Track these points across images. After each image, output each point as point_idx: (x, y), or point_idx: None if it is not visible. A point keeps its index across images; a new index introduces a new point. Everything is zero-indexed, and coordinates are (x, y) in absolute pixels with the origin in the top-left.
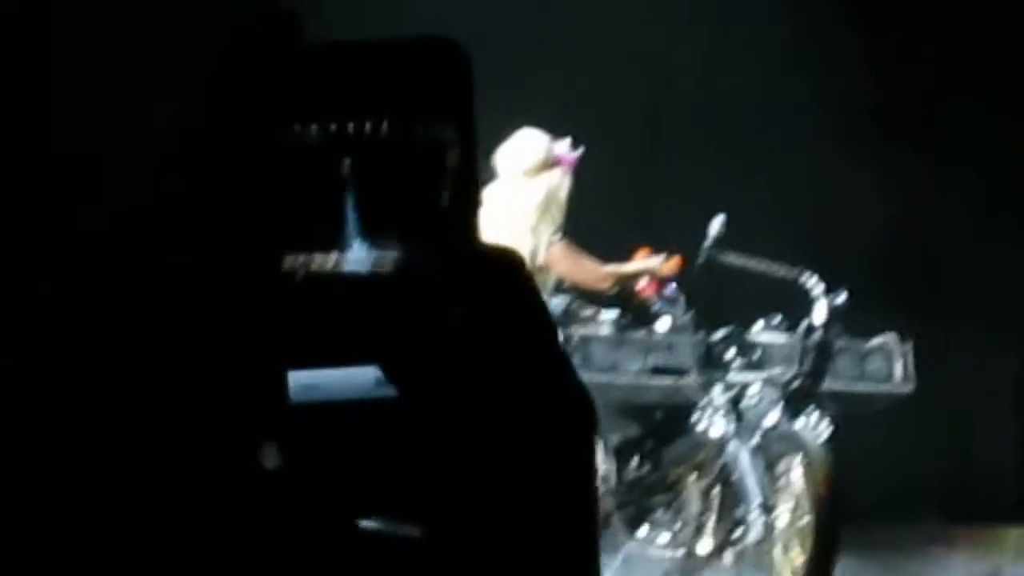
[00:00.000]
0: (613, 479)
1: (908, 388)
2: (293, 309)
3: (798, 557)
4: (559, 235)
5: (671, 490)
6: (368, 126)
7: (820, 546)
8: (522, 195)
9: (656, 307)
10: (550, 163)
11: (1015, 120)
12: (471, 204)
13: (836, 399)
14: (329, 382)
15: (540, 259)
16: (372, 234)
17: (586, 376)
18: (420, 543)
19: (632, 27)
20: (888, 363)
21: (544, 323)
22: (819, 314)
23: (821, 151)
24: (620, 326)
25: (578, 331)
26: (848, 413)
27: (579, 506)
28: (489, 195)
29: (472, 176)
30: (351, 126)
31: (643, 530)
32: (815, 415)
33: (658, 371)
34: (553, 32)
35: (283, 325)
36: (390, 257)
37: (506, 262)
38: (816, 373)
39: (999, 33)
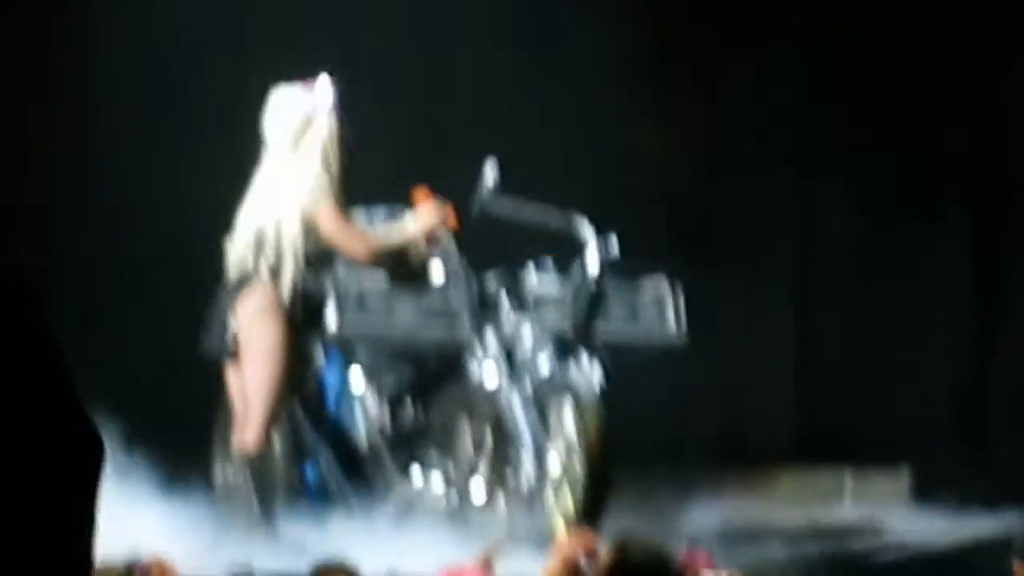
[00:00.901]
0: (388, 425)
1: (680, 338)
2: None
3: (570, 502)
4: (334, 194)
5: (444, 434)
6: None
7: (591, 491)
8: (295, 161)
9: (430, 255)
10: (311, 120)
11: (787, 63)
12: None
13: (608, 347)
14: None
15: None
16: None
17: (362, 322)
18: None
19: None
20: (660, 312)
21: (55, 360)
22: (591, 260)
23: (597, 94)
24: (393, 275)
25: (353, 278)
26: (621, 360)
27: (72, 549)
28: (267, 162)
29: None
30: None
31: (417, 476)
32: (587, 361)
33: (432, 317)
34: None
35: None
36: None
37: (9, 295)
38: (588, 320)
39: None
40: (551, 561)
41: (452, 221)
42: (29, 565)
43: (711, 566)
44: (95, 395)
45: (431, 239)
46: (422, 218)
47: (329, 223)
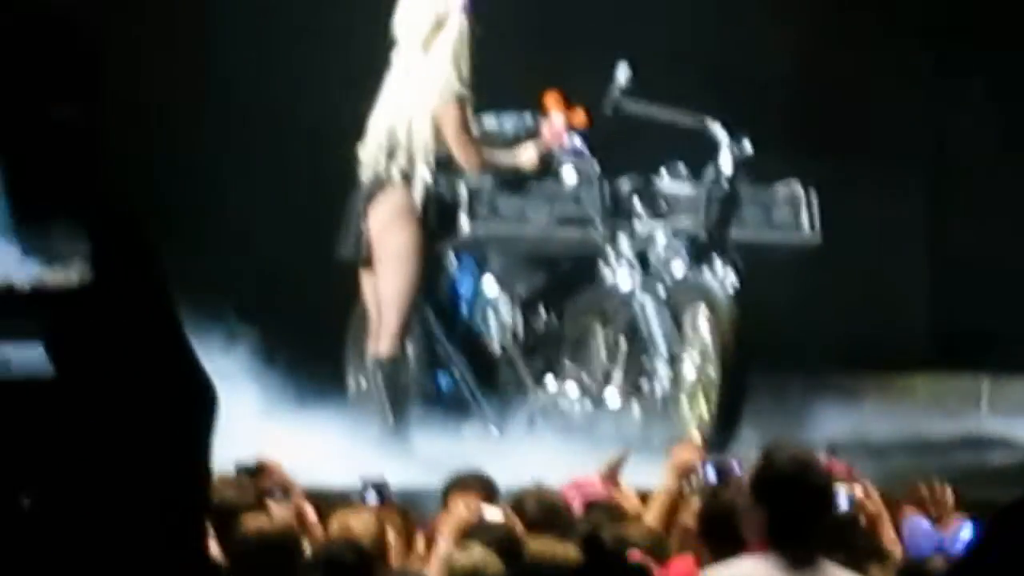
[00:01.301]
0: (521, 332)
1: (814, 237)
2: None
3: (705, 407)
4: (462, 97)
5: (578, 340)
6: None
7: (726, 397)
8: (424, 60)
9: (562, 156)
10: (442, 21)
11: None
12: (95, 175)
13: (742, 248)
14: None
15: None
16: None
17: (494, 225)
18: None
19: None
20: (794, 212)
21: (168, 305)
22: (724, 162)
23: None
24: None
25: (487, 181)
26: (754, 263)
27: (189, 488)
28: (394, 64)
29: (93, 149)
30: None
31: (550, 381)
32: (721, 265)
33: (565, 221)
34: None
35: None
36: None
37: (129, 225)
38: (721, 222)
39: None
40: (665, 471)
41: (583, 121)
42: (147, 510)
43: (850, 478)
44: (232, 302)
45: (563, 130)
46: (530, 156)
47: (452, 127)
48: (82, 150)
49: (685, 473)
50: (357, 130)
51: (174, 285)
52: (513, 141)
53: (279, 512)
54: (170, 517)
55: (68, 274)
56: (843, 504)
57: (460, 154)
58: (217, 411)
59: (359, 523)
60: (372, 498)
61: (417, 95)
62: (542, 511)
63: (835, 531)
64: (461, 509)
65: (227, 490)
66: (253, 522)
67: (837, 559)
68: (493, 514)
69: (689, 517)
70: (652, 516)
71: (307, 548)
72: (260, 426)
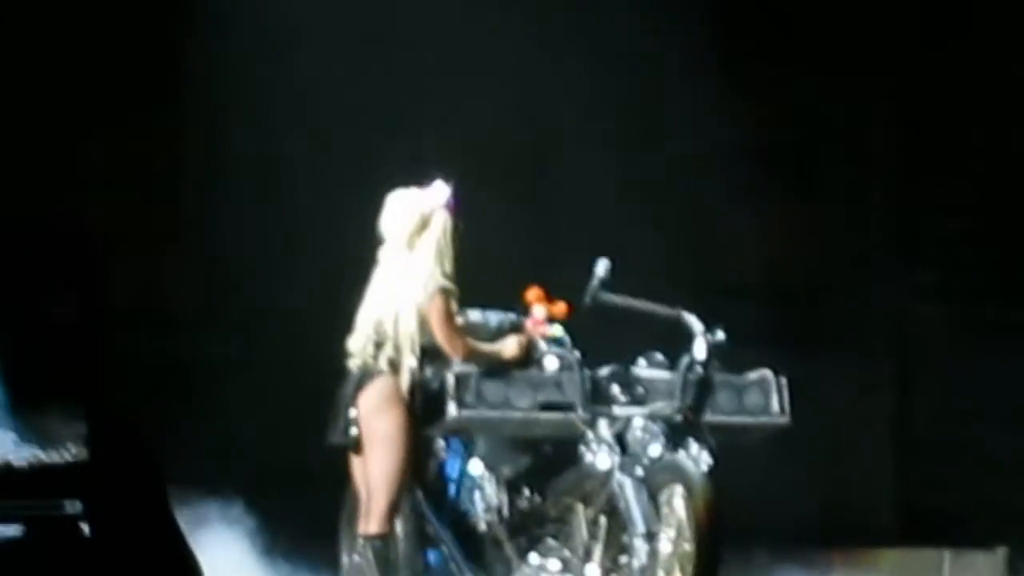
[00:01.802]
0: (506, 511)
1: (784, 420)
2: None
3: None
4: (446, 291)
5: (560, 519)
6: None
7: (701, 570)
8: (410, 260)
9: (544, 346)
10: (427, 221)
11: (885, 168)
12: (91, 365)
13: (716, 431)
14: None
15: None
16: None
17: (480, 412)
18: None
19: (515, 77)
20: (765, 396)
21: (159, 491)
22: (699, 350)
23: (700, 196)
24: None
25: (472, 369)
26: (727, 445)
27: None
28: (381, 260)
29: (95, 347)
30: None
31: (534, 558)
32: (696, 447)
33: (547, 407)
34: (441, 82)
35: None
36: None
37: (129, 435)
38: (696, 406)
39: (867, 82)
40: None
41: (564, 313)
42: None
43: None
44: (236, 486)
45: (544, 321)
46: (513, 347)
47: (437, 318)
48: (79, 342)
49: None
50: (346, 324)
51: (177, 470)
52: (497, 334)
53: None
54: None
55: (63, 455)
56: None
57: (445, 343)
58: None
59: None
60: None
61: (403, 289)
62: None
63: None
64: None
65: None
66: None
67: None
68: None
69: None
70: None
71: None
72: None
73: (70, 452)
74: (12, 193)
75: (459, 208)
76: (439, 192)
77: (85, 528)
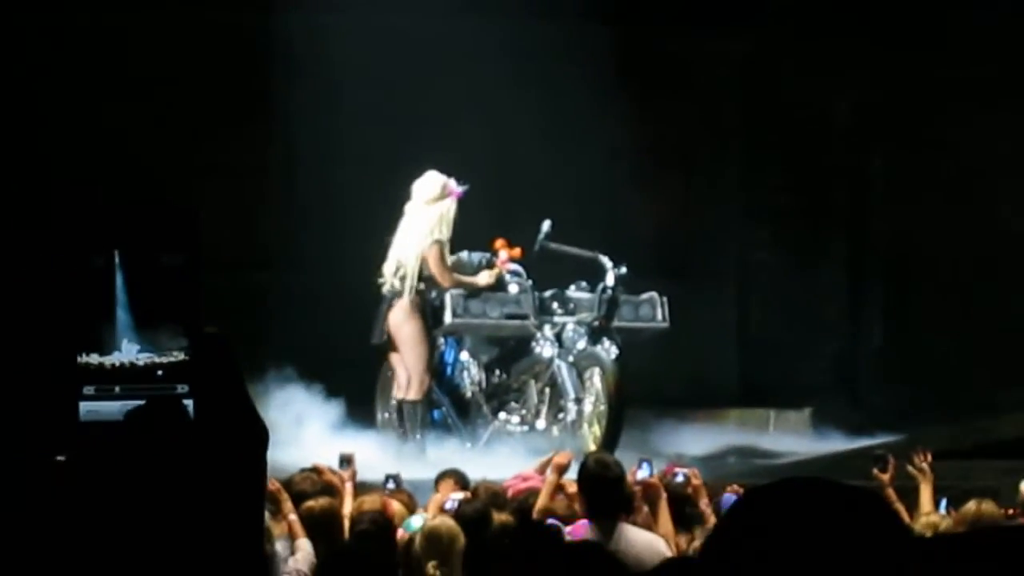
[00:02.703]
0: (484, 383)
1: (666, 325)
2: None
3: (598, 431)
4: (440, 242)
5: (519, 390)
6: (129, 258)
7: (611, 424)
8: (423, 215)
9: (508, 277)
10: (444, 195)
11: (734, 174)
12: (196, 305)
13: (620, 332)
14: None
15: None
16: (137, 332)
17: (466, 319)
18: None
19: (487, 105)
20: (653, 309)
21: (238, 380)
22: (609, 279)
23: (613, 176)
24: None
25: (461, 292)
26: (628, 341)
27: (252, 507)
28: (406, 213)
29: (196, 287)
30: (121, 258)
31: (502, 415)
32: (608, 342)
33: (510, 316)
34: (444, 109)
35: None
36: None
37: (217, 344)
38: (608, 316)
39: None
40: (551, 464)
41: (519, 251)
42: (212, 530)
43: (684, 466)
44: (312, 369)
45: (508, 260)
46: (488, 276)
47: (432, 261)
48: (182, 283)
49: (563, 469)
50: (383, 256)
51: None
52: (477, 268)
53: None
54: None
55: (171, 358)
56: (679, 478)
57: (437, 277)
58: (268, 443)
59: (372, 501)
60: (391, 485)
61: (416, 236)
62: (487, 493)
63: (671, 499)
64: (440, 494)
65: (302, 483)
66: (309, 502)
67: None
68: (457, 496)
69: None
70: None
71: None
72: (319, 441)
73: (176, 356)
74: (142, 182)
75: (462, 198)
76: (455, 183)
77: (188, 403)
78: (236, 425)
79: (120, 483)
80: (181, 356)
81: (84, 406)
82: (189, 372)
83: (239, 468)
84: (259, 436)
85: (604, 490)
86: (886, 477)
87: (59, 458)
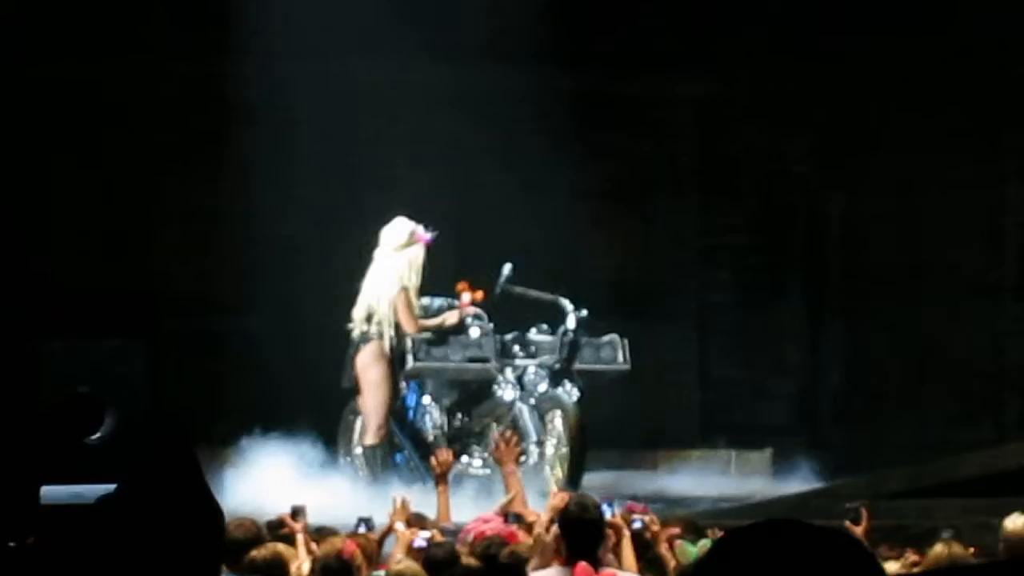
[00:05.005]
0: (446, 427)
1: (626, 366)
2: None
3: (560, 473)
4: (407, 288)
5: (481, 433)
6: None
7: (573, 467)
8: (392, 262)
9: (470, 320)
10: (412, 241)
11: (692, 203)
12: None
13: (582, 375)
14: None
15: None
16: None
17: (428, 363)
18: None
19: (454, 152)
20: (614, 351)
21: (195, 464)
22: (570, 322)
23: (573, 220)
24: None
25: (423, 337)
26: (589, 383)
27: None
28: (375, 259)
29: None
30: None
31: (464, 458)
32: (569, 385)
33: (472, 360)
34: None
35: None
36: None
37: (172, 427)
38: (569, 359)
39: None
40: (547, 506)
41: (480, 294)
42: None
43: (644, 511)
44: (271, 415)
45: (471, 314)
46: (452, 317)
47: (399, 306)
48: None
49: (557, 512)
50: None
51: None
52: (438, 312)
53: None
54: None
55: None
56: (636, 524)
57: (403, 323)
58: (223, 527)
59: (339, 542)
60: (362, 528)
61: (385, 281)
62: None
63: (634, 541)
64: (408, 534)
65: (235, 531)
66: (253, 552)
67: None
68: (424, 537)
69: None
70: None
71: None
72: (287, 488)
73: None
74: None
75: (432, 245)
76: (424, 230)
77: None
78: (193, 510)
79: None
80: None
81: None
82: (145, 457)
83: (195, 554)
84: (215, 520)
85: (584, 532)
86: (859, 529)
87: (10, 544)
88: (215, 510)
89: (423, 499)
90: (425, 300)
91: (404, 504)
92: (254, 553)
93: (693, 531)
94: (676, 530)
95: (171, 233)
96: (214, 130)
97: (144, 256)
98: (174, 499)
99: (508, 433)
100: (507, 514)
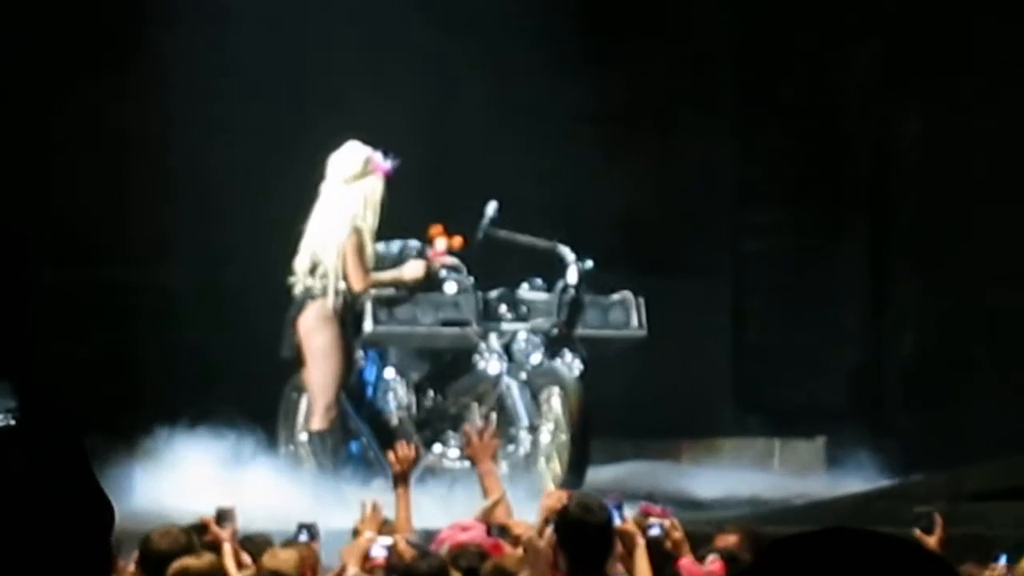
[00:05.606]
0: (414, 408)
1: (642, 333)
2: None
3: (557, 467)
4: (359, 230)
5: (458, 416)
6: None
7: (574, 459)
8: (342, 197)
9: (444, 273)
10: (368, 171)
11: (724, 129)
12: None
13: (585, 342)
14: None
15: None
16: None
17: (391, 327)
18: None
19: (427, 64)
20: (626, 313)
21: (82, 453)
22: (571, 276)
23: (575, 147)
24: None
25: (387, 292)
26: (596, 353)
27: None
28: (321, 194)
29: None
30: None
31: (437, 447)
32: (569, 355)
33: (447, 323)
34: (369, 65)
35: None
36: None
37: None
38: (569, 322)
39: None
40: (540, 506)
41: (460, 240)
42: None
43: (663, 515)
44: (195, 391)
45: (444, 252)
46: (416, 269)
47: (348, 252)
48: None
49: (552, 513)
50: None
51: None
52: (399, 260)
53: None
54: None
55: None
56: (655, 530)
57: (350, 275)
58: (113, 526)
59: (283, 555)
60: (304, 537)
61: (333, 222)
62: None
63: (649, 552)
64: (363, 541)
65: (160, 541)
66: (187, 560)
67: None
68: (384, 544)
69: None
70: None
71: None
72: (211, 480)
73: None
74: None
75: (391, 176)
76: (382, 157)
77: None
78: (78, 505)
79: None
80: (9, 421)
81: None
82: (22, 442)
83: (81, 555)
84: (104, 519)
85: (587, 539)
86: (933, 540)
87: None
88: (105, 508)
89: (385, 499)
90: (381, 246)
91: (375, 510)
92: (188, 561)
93: (753, 542)
94: (733, 539)
95: (65, 160)
96: (124, 30)
97: (30, 188)
98: (42, 493)
99: (484, 422)
100: (490, 525)
